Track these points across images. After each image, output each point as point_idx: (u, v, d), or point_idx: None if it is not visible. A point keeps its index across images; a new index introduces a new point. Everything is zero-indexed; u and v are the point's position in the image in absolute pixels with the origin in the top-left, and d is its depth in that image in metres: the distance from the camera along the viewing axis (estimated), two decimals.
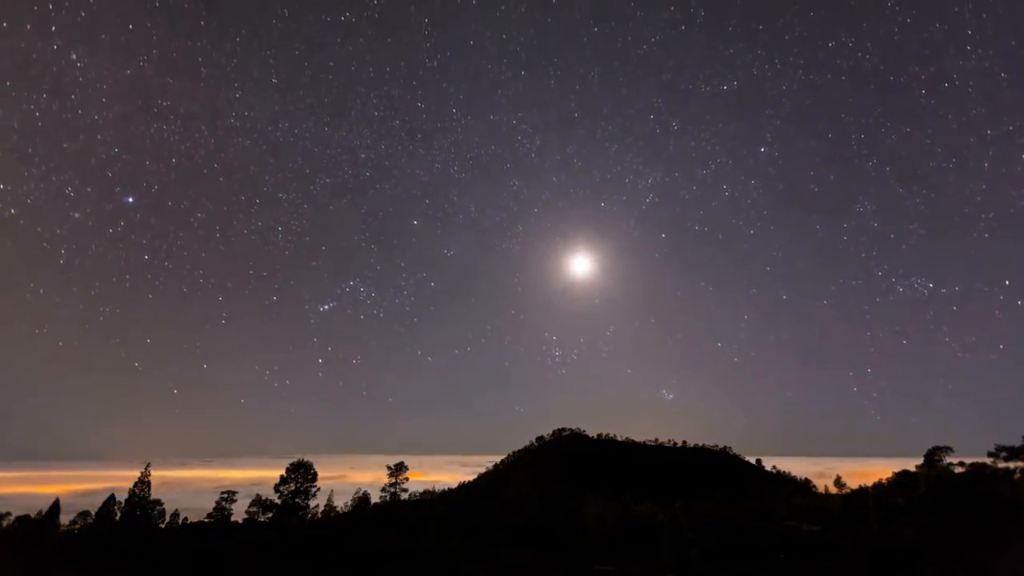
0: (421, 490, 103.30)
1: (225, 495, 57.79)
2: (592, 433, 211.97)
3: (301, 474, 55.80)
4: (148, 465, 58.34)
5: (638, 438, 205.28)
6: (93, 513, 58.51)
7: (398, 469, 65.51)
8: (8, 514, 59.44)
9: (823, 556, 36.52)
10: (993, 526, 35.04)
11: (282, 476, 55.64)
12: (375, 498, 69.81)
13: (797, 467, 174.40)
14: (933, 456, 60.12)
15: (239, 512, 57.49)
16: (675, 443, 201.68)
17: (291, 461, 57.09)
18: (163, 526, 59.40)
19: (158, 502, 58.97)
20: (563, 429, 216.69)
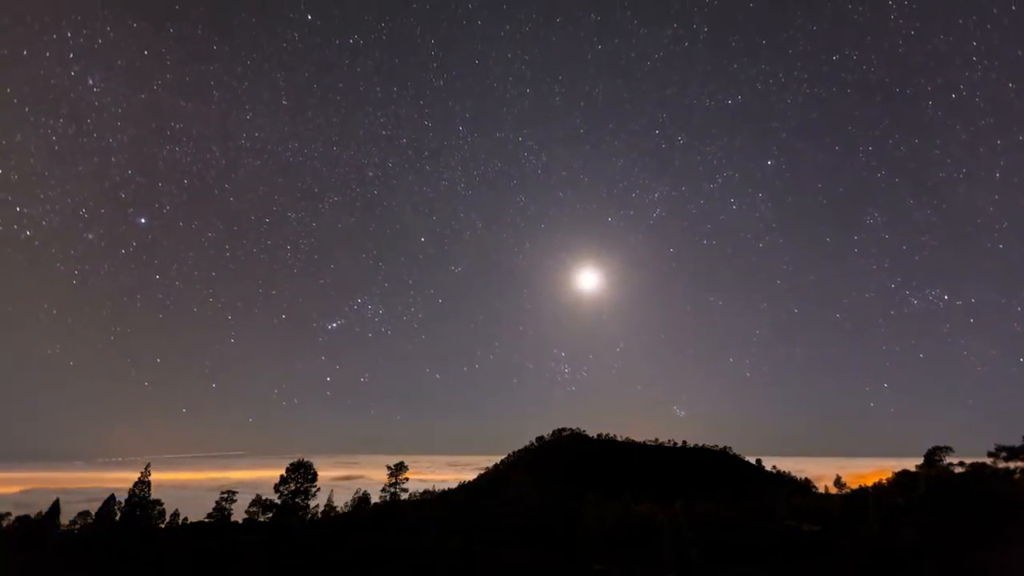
0: (421, 490, 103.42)
1: (225, 495, 57.77)
2: (592, 433, 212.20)
3: (301, 474, 55.76)
4: (148, 465, 58.34)
5: (638, 438, 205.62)
6: (93, 513, 58.51)
7: (398, 469, 65.48)
8: (8, 514, 59.44)
9: (823, 556, 36.50)
10: (993, 526, 35.03)
11: (282, 476, 55.58)
12: (375, 498, 69.82)
13: (797, 467, 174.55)
14: (933, 456, 60.09)
15: (239, 512, 57.48)
16: (675, 443, 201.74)
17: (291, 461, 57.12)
18: (163, 526, 59.37)
19: (158, 502, 58.94)
20: (563, 429, 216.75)
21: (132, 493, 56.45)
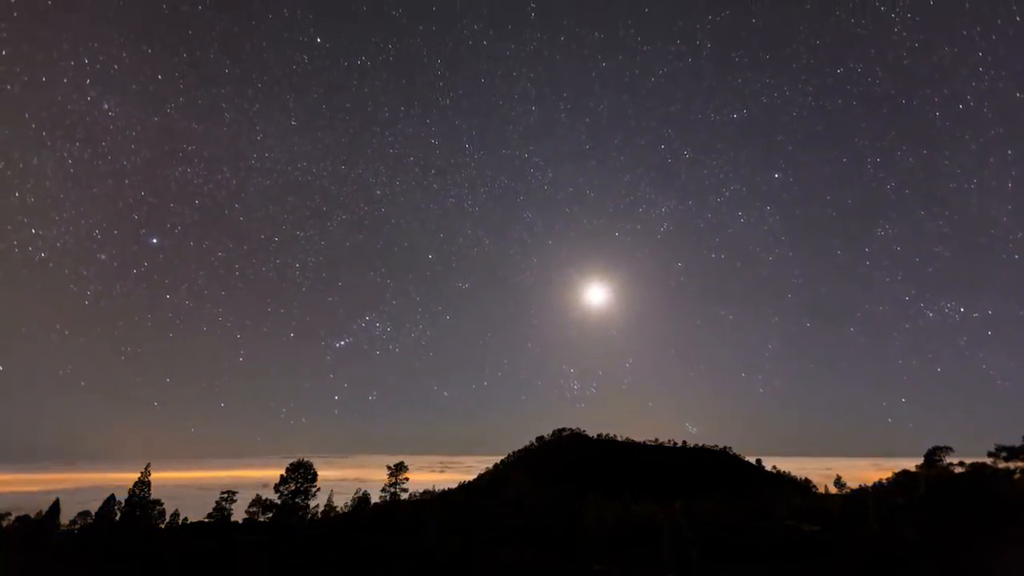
0: (421, 490, 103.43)
1: (225, 495, 57.79)
2: (592, 433, 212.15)
3: (301, 474, 55.78)
4: (148, 465, 58.37)
5: (638, 438, 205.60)
6: (93, 513, 58.55)
7: (398, 469, 65.50)
8: (8, 514, 59.47)
9: (823, 556, 36.49)
10: (993, 526, 35.02)
11: (282, 476, 55.61)
12: (375, 498, 69.83)
13: (797, 467, 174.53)
14: (933, 456, 60.12)
15: (239, 512, 57.49)
16: (675, 443, 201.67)
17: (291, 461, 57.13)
18: (163, 526, 59.39)
19: (158, 502, 58.97)
20: (563, 429, 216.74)
21: (132, 493, 56.51)
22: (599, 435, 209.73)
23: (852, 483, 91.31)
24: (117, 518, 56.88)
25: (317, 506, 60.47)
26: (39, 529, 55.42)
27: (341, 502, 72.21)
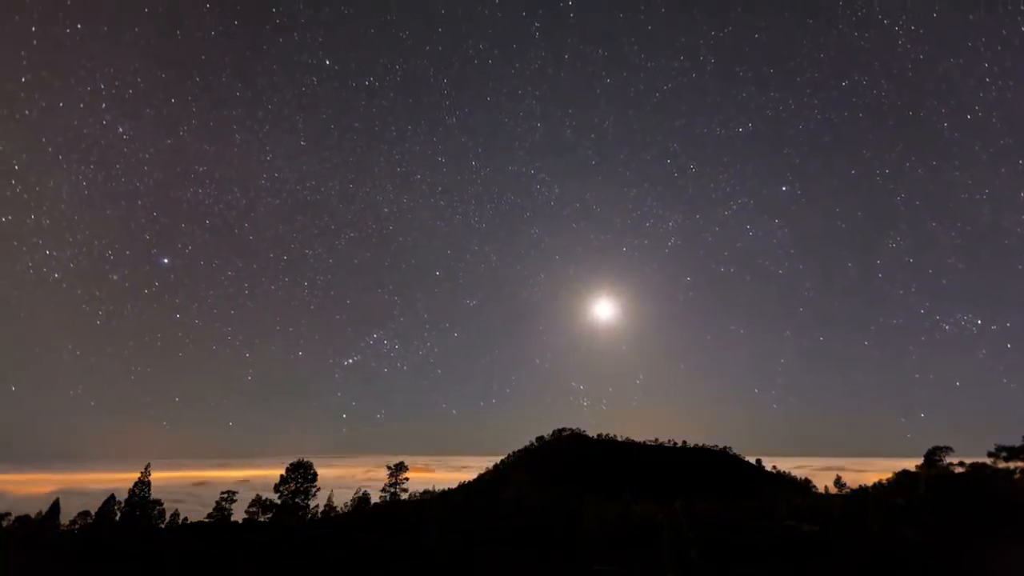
0: (421, 490, 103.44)
1: (225, 495, 57.79)
2: (592, 433, 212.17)
3: (301, 474, 55.78)
4: (148, 465, 58.39)
5: (638, 438, 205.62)
6: (93, 513, 58.53)
7: (398, 469, 65.50)
8: (8, 514, 59.42)
9: (823, 556, 36.49)
10: (993, 526, 35.03)
11: (282, 476, 55.63)
12: (375, 498, 69.84)
13: (797, 467, 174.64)
14: (933, 456, 60.07)
15: (239, 512, 57.51)
16: (675, 443, 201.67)
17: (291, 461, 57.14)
18: (163, 526, 59.41)
19: (158, 502, 58.98)
20: (563, 429, 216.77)
21: (132, 493, 56.53)
22: (599, 435, 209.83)
23: (852, 483, 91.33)
24: (117, 518, 56.88)
25: (317, 506, 60.51)
26: (39, 529, 55.42)
27: (341, 502, 72.24)
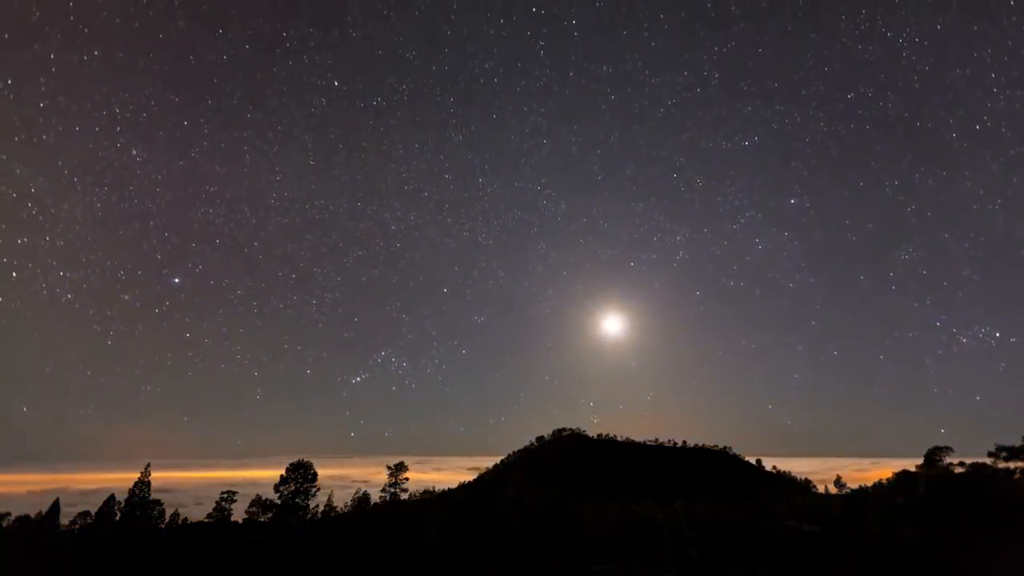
0: (421, 490, 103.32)
1: (225, 495, 57.79)
2: (592, 433, 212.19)
3: (301, 474, 55.79)
4: (148, 465, 58.39)
5: (638, 438, 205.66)
6: (93, 513, 58.54)
7: (398, 469, 65.51)
8: (8, 514, 59.44)
9: (823, 556, 36.48)
10: (993, 526, 35.04)
11: (282, 476, 55.63)
12: (375, 498, 69.85)
13: (797, 467, 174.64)
14: (933, 456, 60.10)
15: (239, 512, 57.55)
16: (675, 443, 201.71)
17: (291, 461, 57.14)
18: (163, 526, 59.42)
19: (158, 502, 58.98)
20: (563, 429, 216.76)
21: (132, 493, 56.53)
22: (599, 435, 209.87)
23: (852, 483, 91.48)
24: (117, 518, 56.89)
25: (317, 506, 60.55)
26: (39, 529, 55.42)
27: (341, 502, 72.27)
